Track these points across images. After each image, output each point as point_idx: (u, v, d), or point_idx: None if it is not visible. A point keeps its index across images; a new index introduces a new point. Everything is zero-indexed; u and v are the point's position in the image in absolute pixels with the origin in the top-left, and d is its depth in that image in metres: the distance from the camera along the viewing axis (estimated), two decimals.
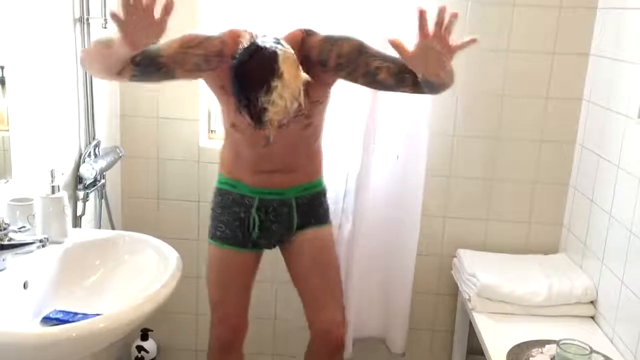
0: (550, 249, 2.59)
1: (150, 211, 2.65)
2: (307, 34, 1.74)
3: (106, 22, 2.18)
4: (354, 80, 1.74)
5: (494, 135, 2.51)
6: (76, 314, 1.55)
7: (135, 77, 1.68)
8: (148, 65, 1.66)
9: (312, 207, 1.98)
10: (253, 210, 1.94)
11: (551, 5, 2.38)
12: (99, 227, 2.31)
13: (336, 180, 2.38)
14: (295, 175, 1.95)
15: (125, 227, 2.60)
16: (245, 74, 1.53)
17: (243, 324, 2.07)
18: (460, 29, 2.37)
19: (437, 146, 2.49)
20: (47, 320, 1.54)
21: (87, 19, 2.13)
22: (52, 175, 1.71)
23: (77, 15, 2.09)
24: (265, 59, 1.52)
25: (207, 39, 1.71)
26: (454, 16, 1.48)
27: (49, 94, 1.93)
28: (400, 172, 2.43)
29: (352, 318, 2.42)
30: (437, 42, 1.50)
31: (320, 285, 1.99)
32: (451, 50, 1.51)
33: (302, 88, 1.55)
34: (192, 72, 1.72)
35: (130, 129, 2.56)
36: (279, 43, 1.58)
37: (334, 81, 1.83)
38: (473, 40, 1.50)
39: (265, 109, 1.52)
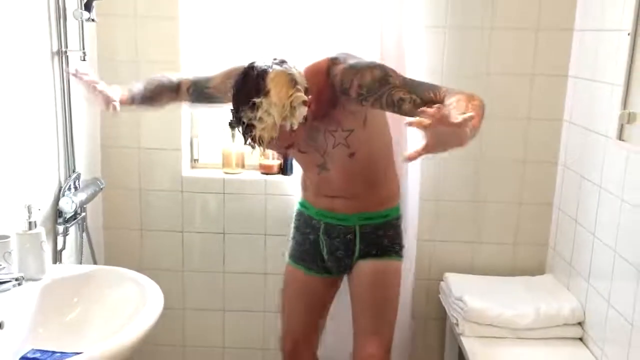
0: (537, 270, 2.58)
1: (133, 243, 2.62)
2: (333, 62, 1.71)
3: (85, 55, 2.18)
4: (381, 108, 1.66)
5: (478, 157, 2.52)
6: (54, 352, 1.52)
7: (193, 104, 1.98)
8: (199, 95, 1.91)
9: (376, 238, 1.94)
10: (321, 234, 1.97)
11: (528, 27, 2.41)
12: (80, 261, 2.28)
13: None
14: (358, 202, 1.92)
15: (108, 260, 2.57)
16: (236, 91, 1.59)
17: (306, 344, 2.08)
18: (440, 53, 2.45)
19: (424, 170, 2.49)
20: None
21: (66, 52, 2.12)
22: (29, 211, 1.69)
23: (55, 48, 2.09)
24: (253, 77, 1.56)
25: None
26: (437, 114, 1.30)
27: (26, 127, 1.91)
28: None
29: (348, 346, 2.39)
30: (441, 126, 1.31)
31: (368, 319, 1.93)
32: (460, 125, 1.31)
33: (299, 107, 1.56)
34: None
35: (111, 160, 2.54)
36: (280, 63, 1.60)
37: (365, 109, 1.74)
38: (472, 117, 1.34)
39: (251, 126, 1.55)
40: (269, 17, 2.50)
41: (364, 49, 2.25)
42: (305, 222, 2.01)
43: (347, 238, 1.94)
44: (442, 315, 2.61)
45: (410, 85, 1.62)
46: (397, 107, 1.61)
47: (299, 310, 2.06)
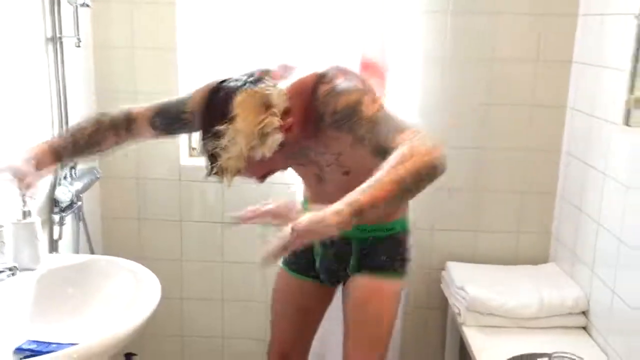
0: (540, 259, 2.55)
1: (131, 232, 2.59)
2: (320, 79, 1.46)
3: (79, 41, 2.13)
4: (357, 142, 1.42)
5: (480, 145, 2.48)
6: (50, 343, 1.49)
7: (160, 136, 1.66)
8: (171, 124, 1.60)
9: (373, 253, 1.73)
10: (317, 244, 1.79)
11: (532, 12, 2.36)
12: (77, 251, 2.25)
13: None
14: None
15: (105, 250, 2.54)
16: (201, 115, 1.43)
17: (292, 355, 1.92)
18: (442, 38, 2.41)
19: None
20: (20, 351, 1.47)
21: (60, 38, 2.08)
22: (24, 200, 1.65)
23: (50, 35, 2.04)
24: (218, 101, 1.39)
25: None
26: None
27: (21, 114, 1.88)
28: None
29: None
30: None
31: (354, 338, 1.73)
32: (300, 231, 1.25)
33: (271, 134, 1.37)
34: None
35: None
36: (255, 82, 1.41)
37: (338, 136, 1.48)
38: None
39: (216, 155, 1.38)
40: (264, 5, 2.45)
41: (359, 36, 2.22)
42: None
43: (343, 250, 1.74)
44: (443, 305, 2.58)
45: (377, 122, 1.37)
46: (361, 144, 1.39)
47: (290, 317, 1.89)
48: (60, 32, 2.07)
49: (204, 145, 1.41)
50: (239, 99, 1.37)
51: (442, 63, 2.40)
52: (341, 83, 1.44)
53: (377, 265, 1.73)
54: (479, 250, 2.58)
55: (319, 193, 1.71)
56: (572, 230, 2.34)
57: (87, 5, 2.15)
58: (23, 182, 1.52)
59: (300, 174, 1.78)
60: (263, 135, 1.37)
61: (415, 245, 2.50)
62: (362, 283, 1.73)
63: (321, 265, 1.82)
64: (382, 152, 1.31)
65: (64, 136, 1.65)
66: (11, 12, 1.81)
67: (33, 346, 1.49)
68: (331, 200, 1.63)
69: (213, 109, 1.40)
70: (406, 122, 1.38)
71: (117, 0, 2.39)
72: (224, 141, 1.36)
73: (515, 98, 2.44)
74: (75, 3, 2.09)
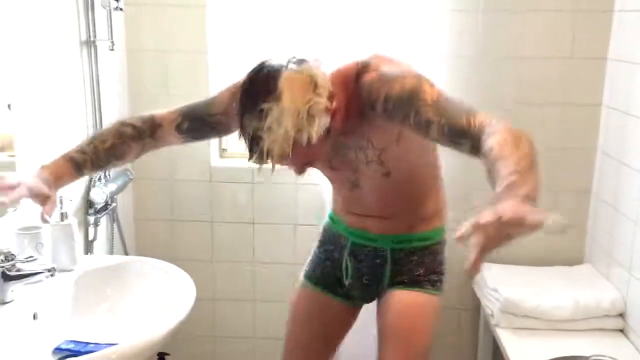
0: (575, 260, 2.51)
1: (164, 233, 2.62)
2: (363, 68, 1.39)
3: (113, 45, 2.16)
4: (412, 130, 1.33)
5: None
6: (88, 343, 1.51)
7: (188, 141, 1.55)
8: (198, 129, 1.50)
9: (410, 265, 1.62)
10: (346, 253, 1.68)
11: (564, 9, 2.33)
12: (112, 252, 2.28)
13: None
14: (393, 223, 1.62)
15: (138, 251, 2.57)
16: (242, 95, 1.30)
17: None
18: (473, 37, 2.38)
19: (451, 156, 2.42)
20: (59, 351, 1.49)
21: (94, 42, 2.10)
22: (61, 202, 1.67)
23: (84, 38, 2.07)
24: (263, 78, 1.28)
25: None
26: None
27: (56, 117, 1.91)
28: None
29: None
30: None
31: (393, 352, 1.60)
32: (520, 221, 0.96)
33: (319, 116, 1.27)
34: None
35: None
36: (298, 63, 1.31)
37: (396, 126, 1.41)
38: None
39: (259, 137, 1.26)
40: (292, 4, 2.45)
41: (385, 34, 2.21)
42: (331, 238, 1.73)
43: (376, 262, 1.64)
44: (476, 306, 2.55)
45: (443, 106, 1.27)
46: (425, 131, 1.28)
47: (312, 336, 1.73)
48: (95, 36, 2.10)
49: (245, 126, 1.29)
50: (285, 75, 1.26)
51: (473, 62, 2.38)
52: (389, 70, 1.36)
53: (414, 280, 1.62)
54: (511, 251, 2.51)
55: (352, 200, 1.64)
56: (607, 231, 2.30)
57: (121, 9, 2.17)
58: (40, 200, 1.37)
59: (333, 180, 1.67)
60: (310, 116, 1.26)
61: (448, 246, 2.50)
62: (401, 296, 1.61)
63: (355, 280, 1.69)
64: (458, 135, 1.22)
65: (83, 148, 1.50)
66: (46, 15, 1.84)
67: (71, 346, 1.50)
68: (365, 208, 1.62)
69: (256, 86, 1.29)
70: (467, 103, 1.27)
71: (148, 4, 2.41)
72: (268, 122, 1.24)
73: (548, 96, 2.40)
74: (109, 7, 2.12)
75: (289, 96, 1.24)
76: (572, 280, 2.33)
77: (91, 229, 2.10)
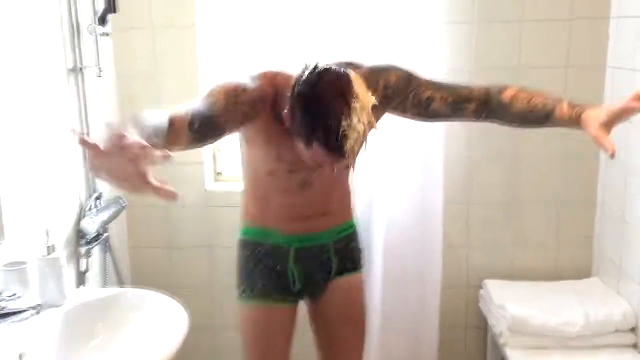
0: (583, 273, 2.44)
1: (160, 261, 2.56)
2: (349, 66, 1.46)
3: (100, 71, 2.12)
4: (404, 111, 1.55)
5: (513, 156, 2.40)
6: None
7: (194, 144, 1.36)
8: (207, 129, 1.37)
9: (349, 250, 1.79)
10: (290, 263, 1.72)
11: (561, 18, 2.28)
12: (105, 283, 2.22)
13: None
14: (331, 216, 1.74)
15: (134, 279, 2.51)
16: (318, 97, 1.31)
17: None
18: (468, 48, 2.34)
19: (453, 172, 2.38)
20: None
21: (81, 68, 2.06)
22: (48, 235, 1.62)
23: (71, 65, 2.03)
24: (338, 79, 1.32)
25: (246, 84, 1.45)
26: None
27: (44, 147, 1.86)
28: (417, 202, 2.32)
29: (378, 357, 2.31)
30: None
31: (346, 339, 1.79)
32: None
33: (372, 109, 1.35)
34: (241, 123, 1.46)
35: None
36: (347, 65, 1.42)
37: (381, 115, 1.56)
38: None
39: (345, 136, 1.28)
40: (284, 22, 2.41)
41: (381, 48, 2.17)
42: (268, 253, 1.72)
43: (323, 257, 1.74)
44: (483, 324, 2.48)
45: (438, 82, 1.53)
46: (424, 107, 1.51)
47: (278, 354, 1.77)
48: (82, 63, 2.06)
49: (332, 127, 1.28)
50: (354, 77, 1.33)
51: (469, 74, 2.33)
52: (376, 65, 1.53)
53: (354, 262, 1.79)
54: (517, 266, 2.48)
55: (297, 204, 1.67)
56: (615, 242, 2.24)
57: (107, 35, 2.14)
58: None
59: (281, 186, 1.64)
60: (371, 112, 1.33)
61: (452, 262, 2.45)
62: (348, 282, 1.77)
63: (307, 280, 1.74)
64: (463, 100, 1.49)
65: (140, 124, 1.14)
66: (32, 43, 1.80)
67: None
68: (312, 207, 1.68)
69: (336, 86, 1.31)
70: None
71: (137, 27, 2.37)
72: (353, 119, 1.28)
73: None
74: (95, 33, 2.08)
75: (363, 95, 1.31)
76: (581, 294, 2.26)
77: (83, 261, 2.04)
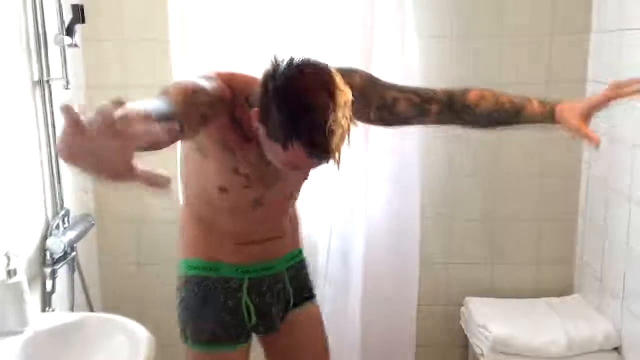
0: (564, 290, 2.40)
1: (131, 278, 2.47)
2: None
3: (68, 83, 2.04)
4: (366, 115, 1.43)
5: (492, 170, 2.36)
6: None
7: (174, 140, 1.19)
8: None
9: (304, 278, 1.66)
10: (243, 296, 1.53)
11: (541, 33, 2.26)
12: (73, 304, 2.12)
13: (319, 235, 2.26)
14: (284, 242, 1.60)
15: (105, 300, 2.42)
16: (301, 91, 1.19)
17: None
18: (446, 66, 2.30)
19: (432, 188, 2.34)
20: None
21: (48, 81, 1.98)
22: (8, 257, 1.53)
23: (36, 78, 1.95)
24: (321, 71, 1.21)
25: (203, 84, 1.29)
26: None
27: (6, 163, 1.76)
28: (393, 219, 2.28)
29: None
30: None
31: None
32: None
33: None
34: (198, 128, 1.27)
35: (105, 192, 2.38)
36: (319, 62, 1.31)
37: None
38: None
39: (332, 132, 1.17)
40: (260, 35, 2.35)
41: (358, 60, 2.13)
42: (216, 288, 1.52)
43: (278, 288, 1.58)
44: (464, 343, 2.43)
45: (399, 86, 1.46)
46: (389, 109, 1.43)
47: None
48: (48, 75, 1.97)
49: (317, 124, 1.17)
50: (334, 72, 1.22)
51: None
52: (336, 67, 1.32)
53: (310, 290, 1.67)
54: (497, 282, 2.44)
55: (250, 225, 1.51)
56: (597, 258, 2.20)
57: (76, 46, 2.05)
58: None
59: (234, 203, 1.47)
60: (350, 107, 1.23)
61: (431, 279, 2.40)
62: (307, 312, 1.64)
63: (265, 315, 1.57)
64: (426, 101, 1.44)
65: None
66: None
67: None
68: (265, 228, 1.53)
69: (321, 78, 1.20)
70: None
71: (109, 39, 2.30)
72: (338, 115, 1.17)
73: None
74: (62, 44, 2.00)
75: (344, 90, 1.21)
76: (563, 313, 2.22)
77: (49, 282, 1.94)
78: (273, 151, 1.26)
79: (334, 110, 1.17)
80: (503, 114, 1.45)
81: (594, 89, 2.22)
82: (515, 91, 2.22)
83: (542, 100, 1.43)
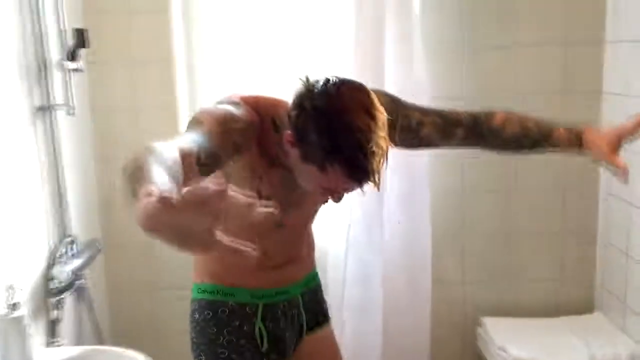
0: (585, 308, 2.33)
1: (142, 304, 2.42)
2: None
3: (72, 109, 2.00)
4: (392, 137, 1.29)
5: (509, 187, 2.30)
6: None
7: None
8: (212, 162, 1.17)
9: (319, 301, 1.61)
10: (257, 321, 1.48)
11: (555, 42, 2.20)
12: (80, 335, 2.07)
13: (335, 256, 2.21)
14: (302, 265, 1.55)
15: (114, 329, 2.37)
16: (341, 111, 1.16)
17: None
18: (458, 76, 2.25)
19: (446, 205, 2.28)
20: None
21: (50, 107, 1.94)
22: (10, 291, 1.49)
23: (38, 104, 1.91)
24: (360, 91, 1.19)
25: (233, 111, 1.26)
26: None
27: (9, 192, 1.73)
28: (405, 239, 2.22)
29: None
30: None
31: None
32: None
33: None
34: (233, 156, 1.24)
35: (112, 217, 2.34)
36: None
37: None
38: None
39: (373, 153, 1.15)
40: (267, 54, 2.32)
41: (369, 75, 2.08)
42: (232, 313, 1.47)
43: (292, 313, 1.53)
44: None
45: (424, 107, 1.43)
46: (415, 132, 1.39)
47: None
48: (51, 100, 1.94)
49: (360, 144, 1.14)
50: (371, 92, 1.20)
51: (463, 102, 2.23)
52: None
53: (325, 313, 1.62)
54: (516, 301, 2.38)
55: (270, 248, 1.32)
56: (619, 276, 2.13)
57: (80, 70, 2.02)
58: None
59: (255, 228, 1.36)
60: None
61: (447, 299, 2.33)
62: (324, 336, 1.60)
63: (274, 344, 1.50)
64: (452, 125, 1.41)
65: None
66: None
67: None
68: (285, 250, 1.47)
69: (361, 97, 1.18)
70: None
71: (114, 62, 2.27)
72: (377, 135, 1.15)
73: None
74: (65, 69, 1.97)
75: (382, 110, 1.18)
76: (584, 332, 2.14)
77: (53, 313, 1.89)
78: (307, 174, 1.22)
79: (374, 131, 1.15)
80: (530, 139, 1.42)
81: (609, 100, 2.17)
82: (529, 103, 2.20)
83: (566, 126, 1.39)
